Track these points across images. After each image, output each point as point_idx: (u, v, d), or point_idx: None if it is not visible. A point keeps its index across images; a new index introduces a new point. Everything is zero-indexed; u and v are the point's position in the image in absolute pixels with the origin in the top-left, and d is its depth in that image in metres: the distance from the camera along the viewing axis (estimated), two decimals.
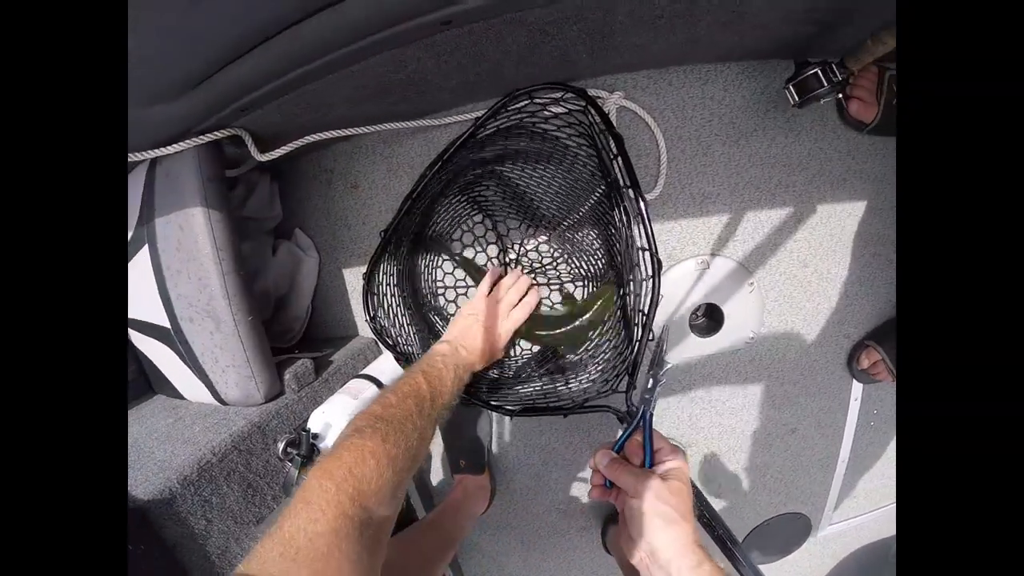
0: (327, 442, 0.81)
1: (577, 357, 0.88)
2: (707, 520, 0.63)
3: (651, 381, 0.63)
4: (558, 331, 0.90)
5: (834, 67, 0.80)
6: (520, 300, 0.85)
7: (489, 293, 0.85)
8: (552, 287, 1.01)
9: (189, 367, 0.89)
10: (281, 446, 0.77)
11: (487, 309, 0.76)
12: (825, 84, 0.80)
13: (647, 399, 0.62)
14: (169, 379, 0.93)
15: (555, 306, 0.96)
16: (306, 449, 0.77)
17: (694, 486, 0.60)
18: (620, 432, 0.64)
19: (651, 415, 0.61)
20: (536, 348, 0.94)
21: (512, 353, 0.94)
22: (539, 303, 0.90)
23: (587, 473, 1.15)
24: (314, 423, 0.81)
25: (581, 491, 1.17)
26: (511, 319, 0.78)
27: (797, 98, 0.83)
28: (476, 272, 0.99)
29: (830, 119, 0.97)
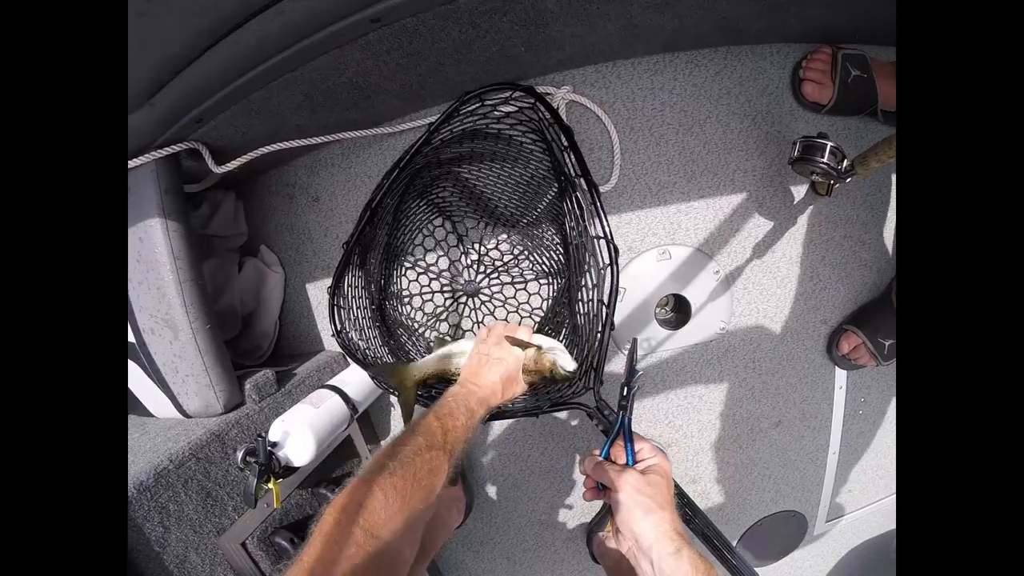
0: (285, 450, 0.83)
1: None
2: (691, 518, 0.68)
3: (625, 390, 0.71)
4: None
5: (844, 154, 0.85)
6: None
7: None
8: (517, 285, 1.04)
9: (153, 380, 0.92)
10: (240, 455, 0.79)
11: (489, 344, 0.80)
12: (825, 159, 0.85)
13: (624, 406, 0.70)
14: (138, 397, 0.97)
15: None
16: (264, 457, 0.79)
17: (677, 486, 0.66)
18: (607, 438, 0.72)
19: (629, 420, 0.69)
20: None
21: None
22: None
23: (566, 480, 1.16)
24: (273, 432, 0.84)
25: (562, 500, 1.17)
26: (515, 350, 0.80)
27: (795, 154, 0.88)
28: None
29: (786, 102, 1.00)
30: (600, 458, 0.68)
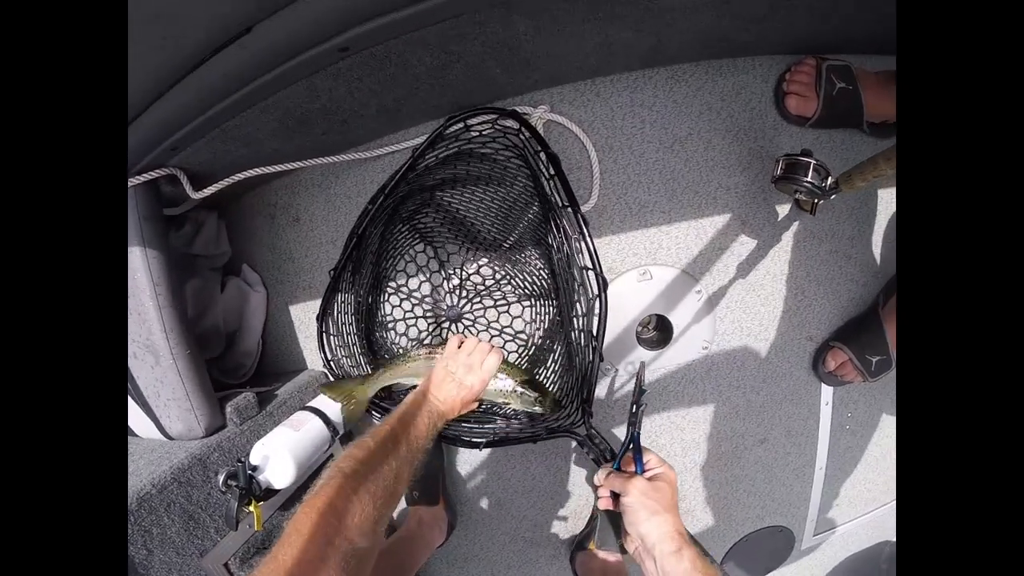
0: (266, 474, 0.85)
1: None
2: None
3: (635, 407, 0.77)
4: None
5: (828, 171, 0.85)
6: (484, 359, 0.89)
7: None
8: (499, 309, 1.04)
9: (136, 402, 0.95)
10: (221, 478, 0.81)
11: (459, 364, 0.84)
12: (808, 178, 0.84)
13: (633, 422, 0.76)
14: None
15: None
16: (244, 481, 0.81)
17: None
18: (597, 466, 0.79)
19: (638, 434, 0.75)
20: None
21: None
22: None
23: (549, 499, 1.18)
24: (254, 456, 0.85)
25: (545, 518, 1.18)
26: (484, 370, 0.84)
27: (778, 172, 0.87)
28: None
29: (770, 116, 0.99)
30: (613, 468, 0.74)
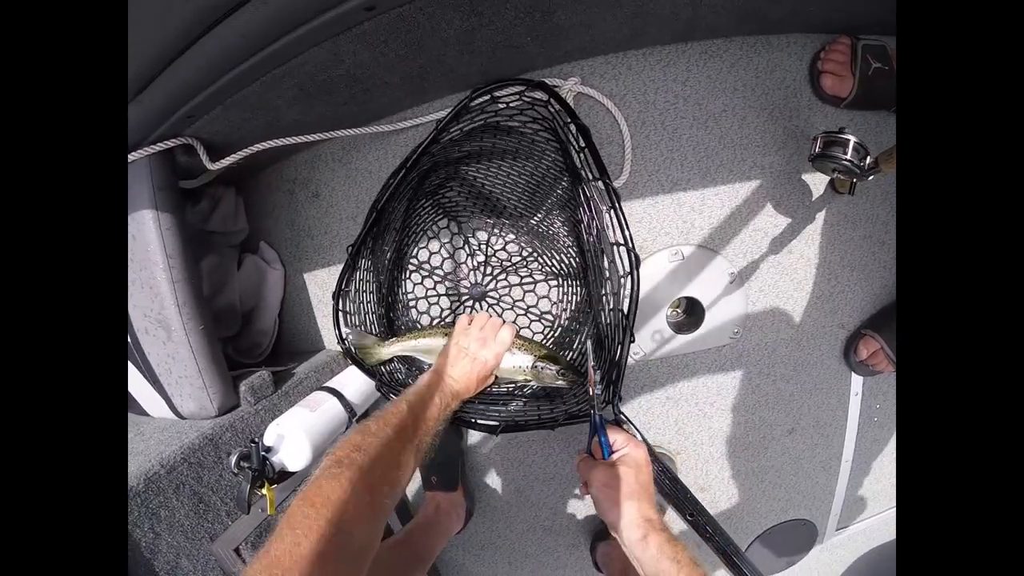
0: (280, 455, 0.80)
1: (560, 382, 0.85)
2: (710, 535, 0.69)
3: (591, 390, 0.72)
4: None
5: (868, 151, 0.79)
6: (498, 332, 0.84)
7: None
8: (525, 287, 0.99)
9: (148, 381, 0.90)
10: (233, 459, 0.75)
11: (471, 339, 0.79)
12: (848, 155, 0.78)
13: (592, 404, 0.71)
14: (135, 398, 0.94)
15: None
16: (257, 462, 0.75)
17: (690, 495, 0.69)
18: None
19: (600, 417, 0.70)
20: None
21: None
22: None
23: (570, 486, 1.12)
24: (268, 436, 0.80)
25: (565, 506, 1.13)
26: (497, 343, 0.79)
27: (816, 150, 0.82)
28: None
29: (805, 95, 0.94)
30: (586, 454, 0.70)
